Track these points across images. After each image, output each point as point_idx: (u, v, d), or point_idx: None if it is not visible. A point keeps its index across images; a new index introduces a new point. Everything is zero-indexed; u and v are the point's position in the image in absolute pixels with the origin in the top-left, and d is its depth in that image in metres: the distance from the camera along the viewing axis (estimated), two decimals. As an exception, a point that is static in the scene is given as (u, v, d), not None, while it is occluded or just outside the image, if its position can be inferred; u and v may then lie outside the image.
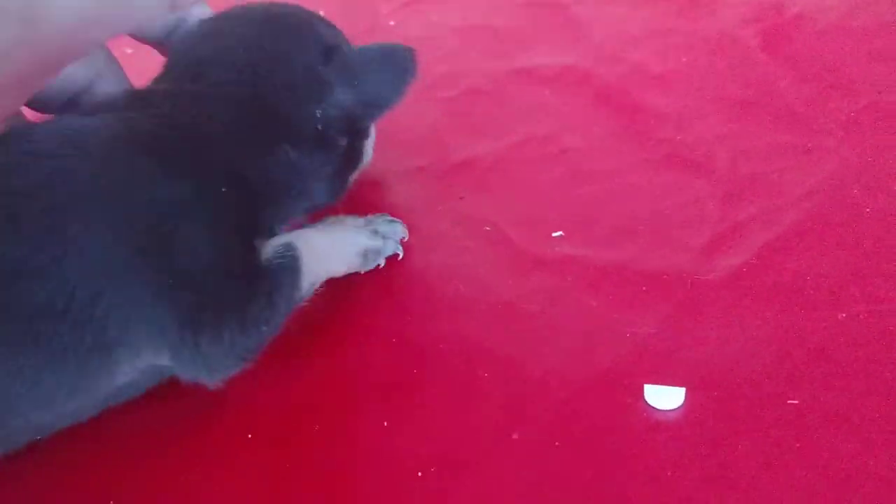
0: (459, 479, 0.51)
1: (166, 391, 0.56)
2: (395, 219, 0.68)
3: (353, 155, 0.64)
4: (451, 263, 0.67)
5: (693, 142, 0.74)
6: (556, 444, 0.52)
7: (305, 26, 0.62)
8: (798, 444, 0.49)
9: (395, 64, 0.62)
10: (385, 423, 0.55)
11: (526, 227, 0.69)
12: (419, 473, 0.52)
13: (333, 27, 0.66)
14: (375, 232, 0.65)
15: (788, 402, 0.52)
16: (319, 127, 0.58)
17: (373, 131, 0.70)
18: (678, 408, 0.53)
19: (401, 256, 0.67)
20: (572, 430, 0.53)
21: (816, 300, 0.58)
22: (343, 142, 0.61)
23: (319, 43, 0.61)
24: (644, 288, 0.61)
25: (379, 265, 0.66)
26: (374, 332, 0.62)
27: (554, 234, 0.67)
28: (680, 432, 0.51)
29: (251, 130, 0.55)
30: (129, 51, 0.78)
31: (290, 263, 0.56)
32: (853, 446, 0.49)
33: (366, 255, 0.64)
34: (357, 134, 0.64)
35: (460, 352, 0.59)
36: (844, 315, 0.56)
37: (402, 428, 0.55)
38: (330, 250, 0.61)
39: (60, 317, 0.44)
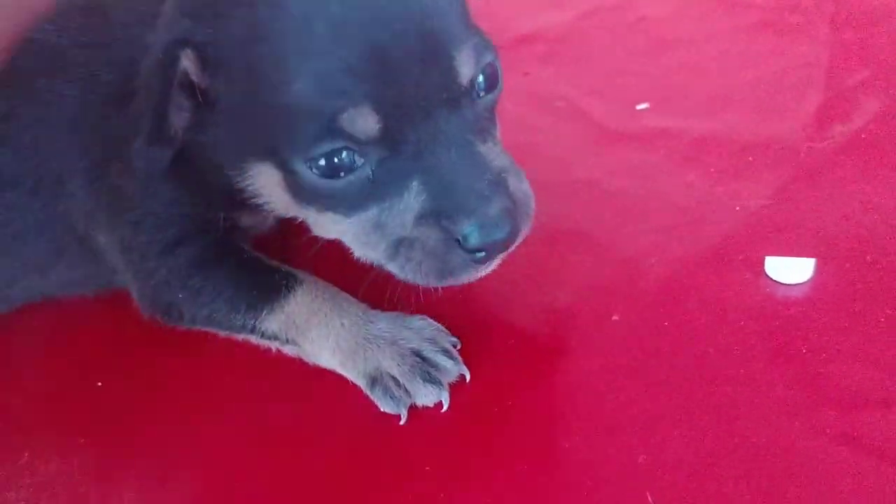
0: (562, 365, 0.45)
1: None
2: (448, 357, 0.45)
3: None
4: (522, 143, 0.59)
5: (787, 6, 0.66)
6: (665, 323, 0.46)
7: None
8: (948, 315, 0.43)
9: None
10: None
11: (604, 100, 0.61)
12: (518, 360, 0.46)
13: None
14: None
15: (932, 271, 0.46)
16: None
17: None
18: (807, 281, 0.46)
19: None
20: (682, 309, 0.46)
21: (950, 165, 0.52)
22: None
23: None
24: (750, 158, 0.54)
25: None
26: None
27: (638, 107, 0.60)
28: (812, 307, 0.45)
29: None
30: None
31: (270, 291, 0.46)
32: None
33: (379, 380, 0.44)
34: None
35: (542, 236, 0.53)
36: None
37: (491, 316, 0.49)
38: (337, 338, 0.46)
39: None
